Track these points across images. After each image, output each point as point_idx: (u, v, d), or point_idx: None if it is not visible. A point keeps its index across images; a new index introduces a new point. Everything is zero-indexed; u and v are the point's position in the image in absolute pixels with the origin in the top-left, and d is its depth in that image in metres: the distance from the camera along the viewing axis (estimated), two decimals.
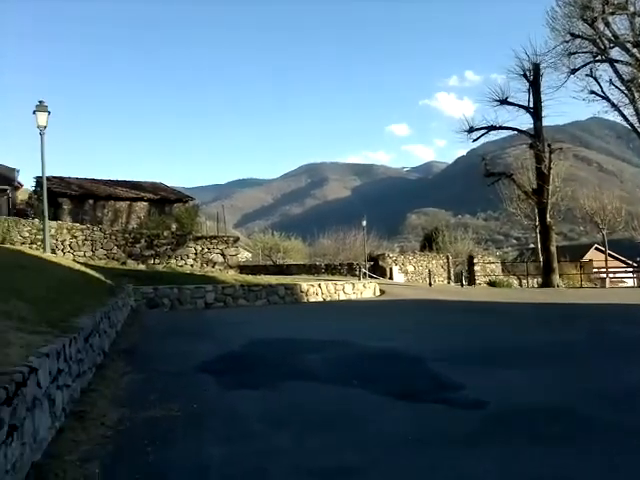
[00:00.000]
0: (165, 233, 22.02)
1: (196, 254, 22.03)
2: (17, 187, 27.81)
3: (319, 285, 19.34)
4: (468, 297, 21.02)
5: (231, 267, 22.63)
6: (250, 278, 20.24)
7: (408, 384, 5.88)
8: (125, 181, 30.41)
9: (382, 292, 21.32)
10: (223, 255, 22.55)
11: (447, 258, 35.69)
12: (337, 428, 4.38)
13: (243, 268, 26.74)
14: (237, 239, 25.35)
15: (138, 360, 7.25)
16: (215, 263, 22.28)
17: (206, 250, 22.28)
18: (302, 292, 18.57)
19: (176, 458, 3.74)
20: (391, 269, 32.12)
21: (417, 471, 3.47)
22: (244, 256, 42.64)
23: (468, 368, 6.69)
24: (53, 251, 16.92)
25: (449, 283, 33.63)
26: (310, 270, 32.12)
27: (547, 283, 29.07)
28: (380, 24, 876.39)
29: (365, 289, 20.84)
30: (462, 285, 29.56)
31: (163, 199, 28.76)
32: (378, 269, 31.73)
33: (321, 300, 18.82)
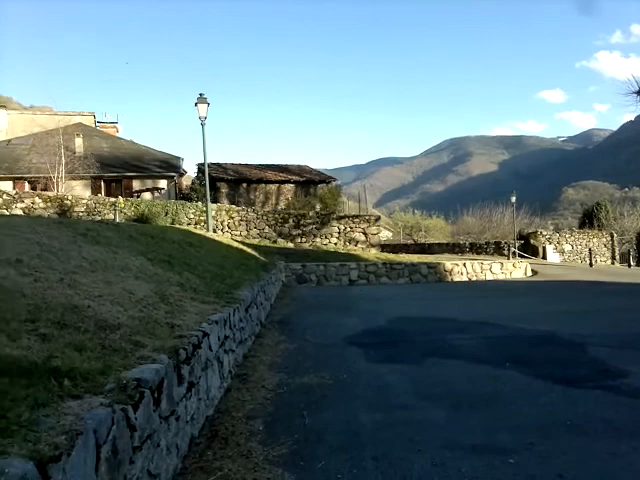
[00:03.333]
0: (310, 213, 22.98)
1: (339, 233, 22.66)
2: (182, 174, 31.05)
3: (464, 264, 18.71)
4: (637, 279, 18.71)
5: (373, 246, 22.89)
6: (392, 256, 20.29)
7: (565, 368, 5.47)
8: (274, 165, 32.28)
9: (534, 272, 19.94)
10: (365, 234, 22.88)
11: (611, 236, 32.08)
12: (489, 408, 4.26)
13: (384, 247, 26.90)
14: (378, 218, 25.51)
15: (291, 330, 7.76)
16: (357, 242, 22.72)
17: (348, 229, 22.79)
18: (446, 271, 18.15)
19: (330, 422, 3.96)
20: (544, 248, 29.84)
21: (579, 458, 3.24)
22: (385, 235, 42.76)
23: (634, 355, 6.02)
24: (214, 231, 18.68)
25: (613, 264, 30.25)
26: (453, 249, 31.18)
27: None
28: None
29: (515, 269, 19.66)
30: (629, 266, 26.38)
31: (308, 181, 29.99)
32: (529, 248, 29.68)
33: (466, 280, 18.21)
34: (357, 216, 24.01)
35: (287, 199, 28.17)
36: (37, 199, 20.56)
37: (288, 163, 33.54)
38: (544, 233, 32.46)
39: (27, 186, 25.36)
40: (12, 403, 1.95)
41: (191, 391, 3.55)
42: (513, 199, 32.94)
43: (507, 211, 38.74)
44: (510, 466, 3.14)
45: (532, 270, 20.11)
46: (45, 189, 23.29)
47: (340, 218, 23.16)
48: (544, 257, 29.18)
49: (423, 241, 39.10)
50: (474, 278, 18.37)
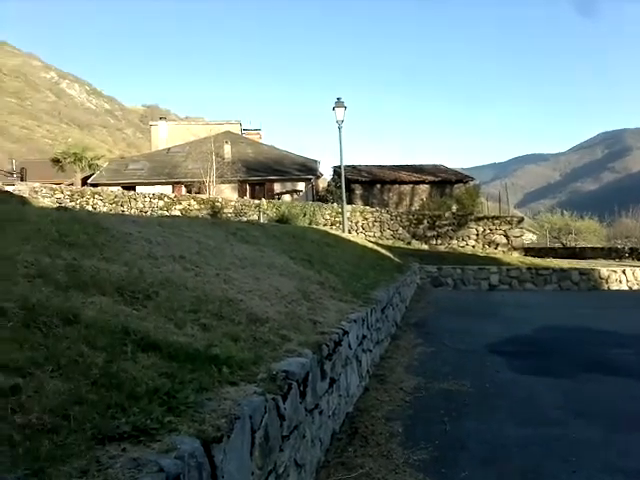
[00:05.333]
0: (446, 214, 22.30)
1: (477, 235, 21.67)
2: (318, 176, 32.12)
3: (623, 271, 16.73)
4: None
5: (515, 249, 21.52)
6: (537, 261, 18.88)
7: None
8: (408, 165, 31.92)
9: None
10: (506, 236, 21.60)
11: None
12: None
13: (528, 250, 25.09)
14: (522, 219, 23.91)
15: (427, 334, 7.59)
16: (497, 244, 21.52)
17: (488, 231, 21.69)
18: (601, 278, 16.38)
19: (472, 431, 3.79)
20: None
21: None
22: (528, 238, 39.95)
23: None
24: (349, 231, 19.03)
25: None
26: (609, 254, 28.02)
27: None
28: None
29: None
30: None
31: (443, 181, 29.15)
32: None
33: (626, 289, 16.26)
34: (497, 217, 22.75)
35: (421, 200, 27.67)
36: (192, 201, 22.74)
37: (422, 163, 32.95)
38: None
39: (184, 190, 28.14)
40: (180, 385, 2.15)
41: (332, 387, 3.64)
42: None
43: None
44: None
45: None
46: (199, 192, 25.64)
47: (479, 219, 22.13)
48: None
49: (573, 245, 35.73)
50: (635, 287, 16.33)
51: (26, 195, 20.94)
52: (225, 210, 21.95)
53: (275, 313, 3.80)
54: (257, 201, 22.84)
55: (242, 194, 28.30)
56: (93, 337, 2.29)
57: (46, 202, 20.86)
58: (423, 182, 28.83)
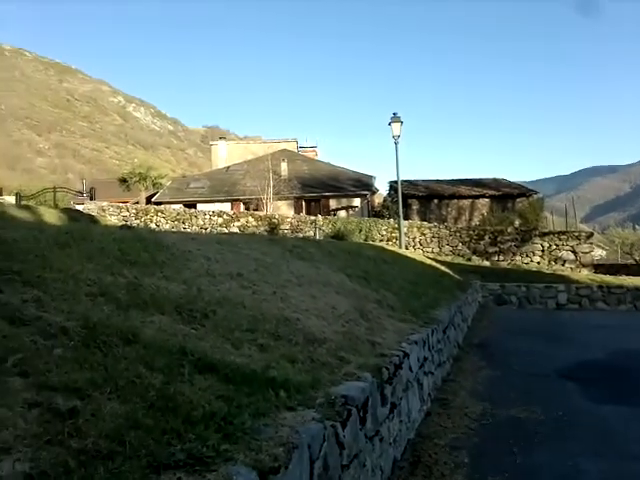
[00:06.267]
0: (509, 229, 21.47)
1: (543, 251, 20.68)
2: (374, 192, 31.89)
3: None
4: None
5: (584, 266, 20.36)
6: (609, 278, 17.75)
7: None
8: (467, 179, 31.13)
9: None
10: (574, 252, 20.49)
11: None
12: None
13: (597, 267, 23.70)
14: (590, 234, 22.63)
15: (492, 356, 7.22)
16: (565, 261, 20.44)
17: (554, 247, 20.66)
18: None
19: (545, 464, 3.51)
20: None
21: None
22: (597, 254, 37.86)
23: None
24: (406, 247, 18.70)
25: None
26: None
27: None
28: None
29: None
30: None
31: (505, 195, 28.18)
32: None
33: None
34: (564, 232, 21.65)
35: (482, 215, 26.83)
36: (250, 218, 23.14)
37: (482, 177, 32.04)
38: None
39: (242, 207, 28.74)
40: (237, 410, 2.08)
41: (393, 412, 3.47)
42: None
43: None
44: None
45: None
46: (256, 209, 26.09)
47: (544, 235, 21.14)
48: None
49: None
50: None
51: (95, 213, 22.07)
52: (282, 227, 22.17)
53: (332, 333, 3.69)
54: (313, 217, 22.94)
55: (298, 210, 28.55)
56: (151, 357, 2.27)
57: (113, 220, 21.89)
58: (483, 196, 27.99)
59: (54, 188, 27.63)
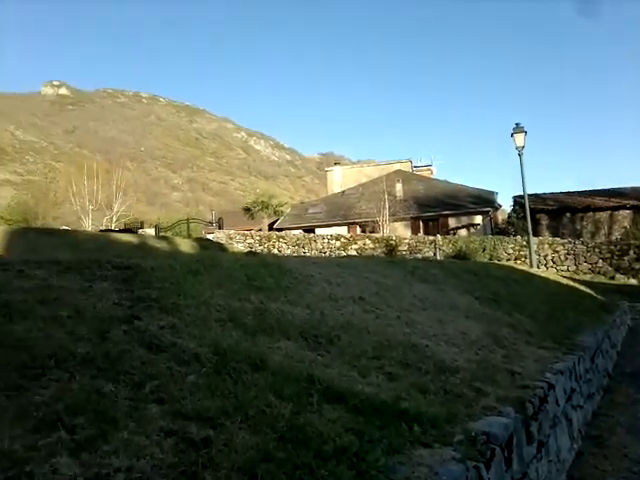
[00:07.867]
0: None
1: None
2: (497, 208, 30.30)
3: None
4: None
5: None
6: None
7: None
8: (601, 190, 28.31)
9: None
10: None
11: None
12: None
13: None
14: None
15: None
16: None
17: None
18: None
19: None
20: None
21: None
22: None
23: None
24: (537, 266, 17.34)
25: None
26: None
27: None
28: None
29: None
30: None
31: None
32: None
33: None
34: None
35: (623, 227, 24.14)
36: (367, 240, 23.12)
37: (620, 186, 28.95)
38: None
39: (358, 229, 28.90)
40: (369, 445, 1.93)
41: (541, 451, 3.09)
42: None
43: None
44: None
45: None
46: (373, 231, 26.05)
47: None
48: None
49: None
50: None
51: (223, 241, 23.59)
52: (399, 248, 21.84)
53: (465, 361, 3.41)
54: (432, 237, 22.30)
55: (415, 231, 28.01)
56: (280, 385, 2.22)
57: (239, 247, 23.18)
58: (623, 207, 25.20)
59: (187, 220, 30.18)
